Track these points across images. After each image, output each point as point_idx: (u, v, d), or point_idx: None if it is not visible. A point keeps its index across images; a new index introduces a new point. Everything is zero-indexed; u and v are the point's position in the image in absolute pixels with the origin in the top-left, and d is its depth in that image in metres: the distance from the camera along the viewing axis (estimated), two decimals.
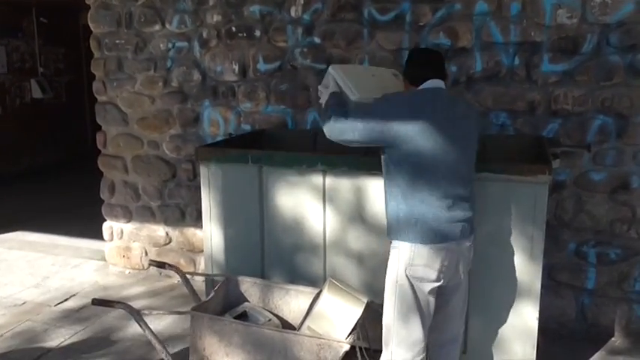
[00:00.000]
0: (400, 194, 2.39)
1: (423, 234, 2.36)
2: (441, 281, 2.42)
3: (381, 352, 2.56)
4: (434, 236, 2.36)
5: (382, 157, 2.50)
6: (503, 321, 2.84)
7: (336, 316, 2.62)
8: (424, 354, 2.50)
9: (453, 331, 2.64)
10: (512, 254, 2.77)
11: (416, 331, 2.46)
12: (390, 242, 2.49)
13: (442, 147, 2.34)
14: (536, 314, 2.79)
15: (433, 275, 2.39)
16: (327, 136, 2.54)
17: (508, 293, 2.81)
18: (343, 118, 2.45)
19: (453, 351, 2.68)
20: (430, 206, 2.35)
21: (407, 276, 2.41)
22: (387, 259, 2.51)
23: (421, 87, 2.50)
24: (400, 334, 2.47)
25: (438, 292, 2.47)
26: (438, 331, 2.59)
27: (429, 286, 2.42)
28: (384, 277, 2.59)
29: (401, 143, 2.34)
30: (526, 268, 2.76)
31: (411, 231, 2.38)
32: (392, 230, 2.46)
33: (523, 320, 2.82)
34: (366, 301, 2.68)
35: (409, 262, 2.39)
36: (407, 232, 2.39)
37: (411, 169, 2.36)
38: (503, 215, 2.75)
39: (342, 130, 2.46)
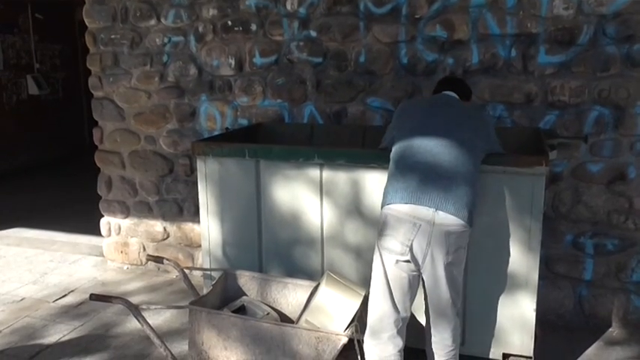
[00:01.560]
0: (389, 170, 2.65)
1: (389, 196, 2.52)
2: (407, 256, 2.46)
3: None
4: (397, 198, 2.47)
5: None
6: (501, 312, 2.85)
7: (334, 309, 2.62)
8: (396, 329, 2.56)
9: (440, 304, 2.59)
10: (510, 246, 2.77)
11: (384, 305, 2.54)
12: None
13: (423, 131, 2.62)
14: (534, 305, 2.80)
15: (397, 247, 2.46)
16: None
17: (506, 285, 2.82)
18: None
19: (441, 324, 2.64)
20: (402, 176, 2.53)
21: (378, 246, 2.54)
22: None
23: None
24: (371, 305, 2.59)
25: (411, 269, 2.49)
26: (426, 306, 2.67)
27: (394, 258, 2.48)
28: None
29: (394, 130, 2.79)
30: (523, 260, 2.77)
31: (384, 197, 2.56)
32: None
33: (521, 312, 2.82)
34: (363, 294, 2.69)
35: (379, 232, 2.55)
36: (383, 198, 2.57)
37: (396, 148, 2.65)
38: (500, 207, 2.75)
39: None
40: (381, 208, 2.56)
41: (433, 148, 2.54)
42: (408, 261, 2.47)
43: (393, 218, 2.47)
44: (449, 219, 2.42)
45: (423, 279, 2.56)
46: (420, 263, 2.48)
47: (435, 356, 2.68)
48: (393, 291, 2.53)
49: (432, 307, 2.62)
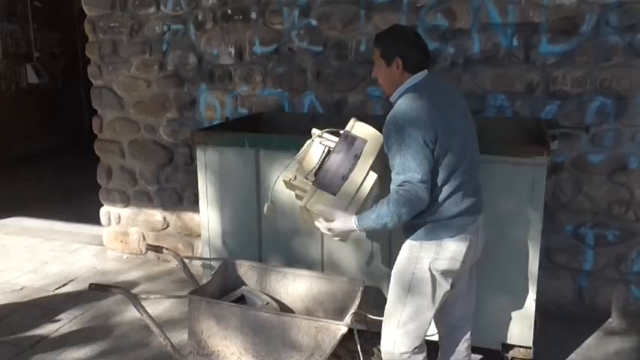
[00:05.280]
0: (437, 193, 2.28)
1: (450, 229, 2.29)
2: (460, 270, 2.38)
3: (378, 334, 2.52)
4: (459, 229, 2.30)
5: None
6: (501, 303, 2.85)
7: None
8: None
9: (461, 312, 2.58)
10: (510, 236, 2.77)
11: (425, 324, 2.41)
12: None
13: (459, 141, 2.28)
14: (534, 295, 2.80)
15: (457, 266, 2.33)
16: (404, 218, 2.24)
17: (506, 275, 2.81)
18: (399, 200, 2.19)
19: (462, 334, 2.62)
20: (456, 202, 2.28)
21: (430, 269, 2.31)
22: (384, 241, 2.48)
23: (414, 78, 2.33)
24: (410, 325, 2.39)
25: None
26: (445, 314, 2.56)
27: (452, 277, 2.37)
28: (381, 260, 2.55)
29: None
30: (524, 250, 2.76)
31: (438, 230, 2.29)
32: (414, 231, 2.33)
33: (521, 302, 2.82)
34: (363, 285, 2.68)
35: (434, 257, 2.30)
36: (433, 231, 2.30)
37: (439, 172, 2.25)
38: (501, 197, 2.74)
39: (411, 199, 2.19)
40: (436, 239, 2.29)
41: (472, 155, 2.37)
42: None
43: (456, 246, 2.31)
44: (482, 219, 2.42)
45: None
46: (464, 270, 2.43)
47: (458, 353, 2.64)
48: (438, 309, 2.42)
49: (457, 302, 2.54)
